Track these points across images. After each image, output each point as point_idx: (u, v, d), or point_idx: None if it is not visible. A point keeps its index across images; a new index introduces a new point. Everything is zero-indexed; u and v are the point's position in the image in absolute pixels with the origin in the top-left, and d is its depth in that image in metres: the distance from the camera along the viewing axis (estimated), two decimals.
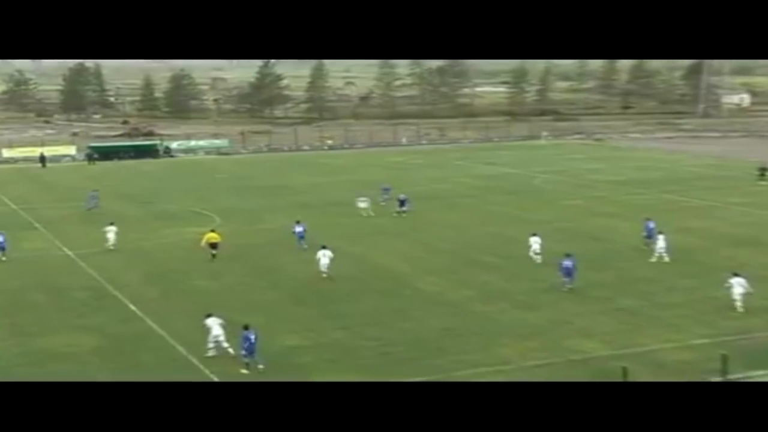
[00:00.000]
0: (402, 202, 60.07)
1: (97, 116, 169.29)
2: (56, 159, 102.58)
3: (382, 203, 62.70)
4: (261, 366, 29.53)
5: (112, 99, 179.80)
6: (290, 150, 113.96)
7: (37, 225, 58.31)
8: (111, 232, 49.74)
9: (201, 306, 37.71)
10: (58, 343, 32.81)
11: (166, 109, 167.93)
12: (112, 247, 49.16)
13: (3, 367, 30.36)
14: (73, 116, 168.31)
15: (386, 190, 65.35)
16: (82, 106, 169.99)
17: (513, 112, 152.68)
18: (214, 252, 46.51)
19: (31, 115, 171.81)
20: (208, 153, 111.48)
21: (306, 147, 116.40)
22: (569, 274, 39.75)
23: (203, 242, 47.06)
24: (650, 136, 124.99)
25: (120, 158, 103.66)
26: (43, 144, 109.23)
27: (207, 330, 31.52)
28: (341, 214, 60.73)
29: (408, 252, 48.42)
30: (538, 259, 44.68)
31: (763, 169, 75.55)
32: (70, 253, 49.27)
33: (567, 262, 39.93)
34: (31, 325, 35.42)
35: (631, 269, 43.69)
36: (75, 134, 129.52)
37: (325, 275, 41.59)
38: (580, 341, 32.48)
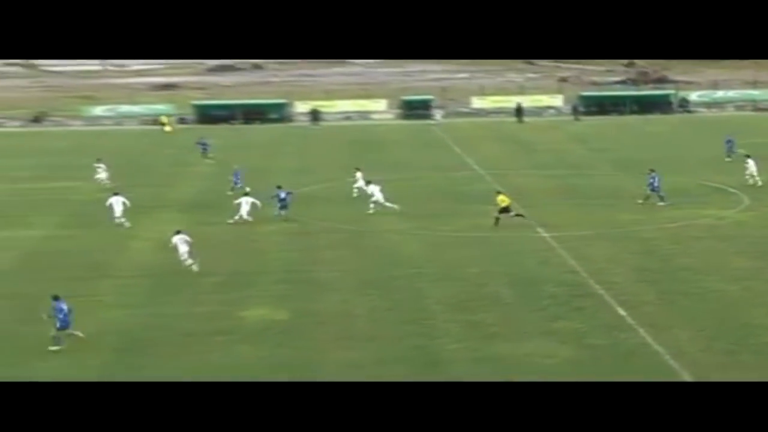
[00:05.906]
0: None
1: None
2: (536, 112, 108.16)
3: None
4: (80, 334, 35.11)
5: None
6: None
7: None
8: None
9: (713, 316, 37.84)
10: (524, 351, 34.53)
11: None
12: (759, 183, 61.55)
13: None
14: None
15: None
16: None
17: None
18: (511, 215, 53.24)
19: None
20: (739, 108, 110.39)
21: None
22: None
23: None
24: None
25: (619, 112, 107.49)
26: (521, 92, 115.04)
27: (174, 248, 44.21)
28: None
29: None
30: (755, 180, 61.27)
31: None
32: (546, 235, 51.77)
33: None
34: (493, 326, 37.72)
35: None
36: (563, 80, 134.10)
37: (393, 206, 55.99)
38: None
